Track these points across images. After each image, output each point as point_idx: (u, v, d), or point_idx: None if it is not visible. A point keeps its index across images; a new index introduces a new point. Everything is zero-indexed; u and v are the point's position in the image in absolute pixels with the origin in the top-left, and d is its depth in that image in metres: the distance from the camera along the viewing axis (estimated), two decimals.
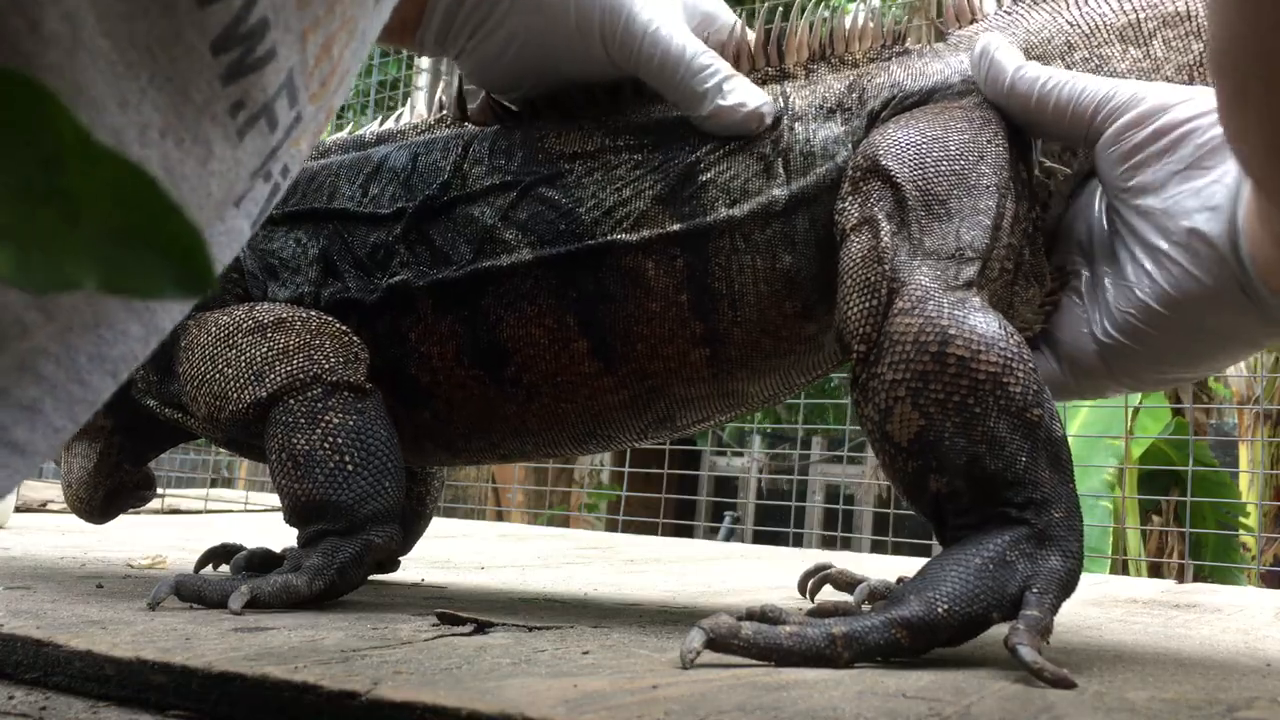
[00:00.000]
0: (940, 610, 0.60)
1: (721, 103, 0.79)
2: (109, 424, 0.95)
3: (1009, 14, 0.86)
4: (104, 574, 0.93)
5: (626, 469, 2.97)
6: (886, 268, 0.70)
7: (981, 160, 0.75)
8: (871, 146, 0.77)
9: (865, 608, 0.66)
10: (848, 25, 0.86)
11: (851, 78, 0.84)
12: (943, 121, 0.77)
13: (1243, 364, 3.90)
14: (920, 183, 0.74)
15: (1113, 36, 0.83)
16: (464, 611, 0.72)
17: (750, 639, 0.58)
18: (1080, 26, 0.84)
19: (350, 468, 0.80)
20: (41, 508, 1.97)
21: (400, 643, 0.62)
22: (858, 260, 0.71)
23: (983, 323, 0.66)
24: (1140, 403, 3.23)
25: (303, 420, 0.81)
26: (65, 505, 1.83)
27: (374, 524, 0.80)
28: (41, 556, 1.05)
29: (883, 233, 0.72)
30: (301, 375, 0.82)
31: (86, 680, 0.56)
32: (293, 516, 0.82)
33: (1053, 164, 0.80)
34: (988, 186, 0.74)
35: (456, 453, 0.93)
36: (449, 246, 0.84)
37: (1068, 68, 0.82)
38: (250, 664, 0.53)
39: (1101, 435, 3.07)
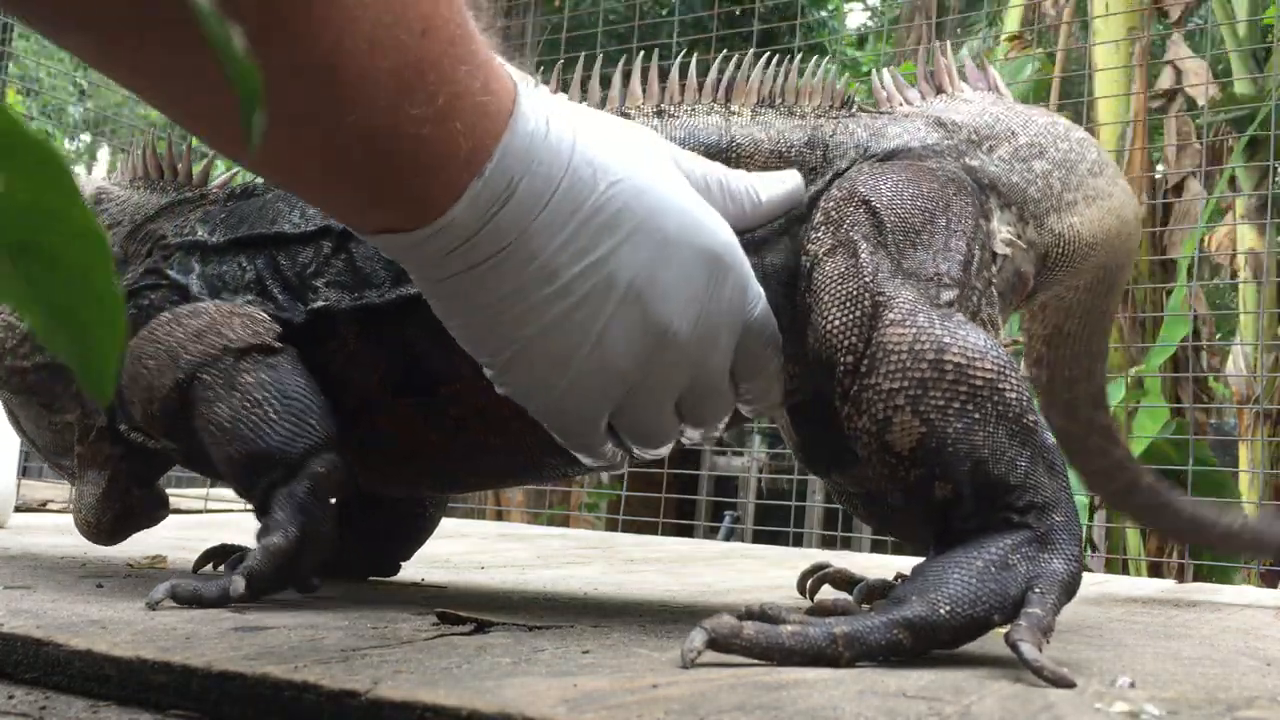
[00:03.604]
0: (943, 611, 0.60)
1: (765, 196, 0.76)
2: (117, 451, 0.96)
3: (929, 104, 0.89)
4: (104, 574, 0.93)
5: (627, 469, 2.96)
6: (868, 280, 0.71)
7: (949, 208, 0.78)
8: (848, 181, 0.78)
9: (863, 607, 0.66)
10: (797, 79, 0.86)
11: (810, 131, 0.84)
12: (913, 171, 0.80)
13: (1243, 364, 3.90)
14: (898, 211, 0.75)
15: (1041, 130, 0.89)
16: (464, 611, 0.72)
17: (752, 639, 0.58)
18: (1013, 120, 0.88)
19: (273, 416, 0.81)
20: (41, 507, 1.97)
21: (400, 642, 0.62)
22: (835, 277, 0.72)
23: (973, 333, 0.68)
24: (1140, 403, 3.23)
25: (220, 389, 0.82)
26: (65, 505, 1.82)
27: (311, 457, 0.81)
28: (41, 556, 1.05)
29: (861, 251, 0.73)
30: (213, 350, 0.83)
31: (86, 680, 0.56)
32: (235, 483, 0.84)
33: (1008, 231, 0.83)
34: (957, 230, 0.76)
35: (388, 478, 0.93)
36: (371, 269, 0.84)
37: (1014, 151, 0.86)
38: (250, 663, 0.53)
39: None
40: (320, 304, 0.85)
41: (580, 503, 5.28)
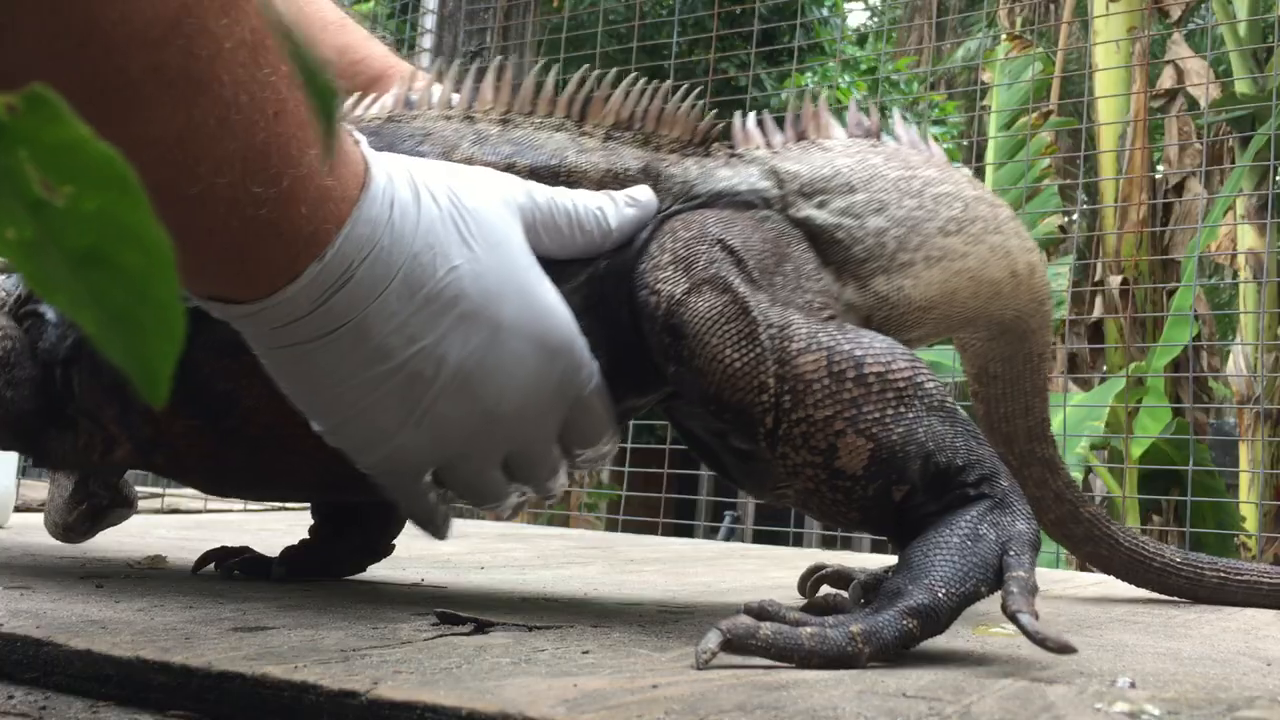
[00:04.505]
0: (940, 594, 0.61)
1: (615, 223, 0.77)
2: None
3: (781, 150, 0.87)
4: (104, 574, 0.93)
5: (626, 469, 2.96)
6: (755, 315, 0.70)
7: (790, 257, 0.78)
8: (690, 221, 0.77)
9: (859, 602, 0.67)
10: (665, 105, 0.84)
11: (646, 162, 0.82)
12: (746, 217, 0.79)
13: (1243, 364, 3.91)
14: (753, 251, 0.75)
15: (889, 185, 0.86)
16: (464, 611, 0.72)
17: (770, 639, 0.58)
18: (859, 174, 0.86)
19: None
20: (41, 507, 1.96)
21: (400, 642, 0.62)
22: (713, 317, 0.71)
23: (875, 338, 0.69)
24: (1141, 402, 3.23)
25: None
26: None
27: None
28: (41, 556, 1.05)
29: (736, 286, 0.72)
30: None
31: (86, 680, 0.56)
32: None
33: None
34: (804, 270, 0.77)
35: (209, 489, 0.94)
36: None
37: (848, 206, 0.84)
38: (250, 663, 0.53)
39: (1105, 436, 3.06)
40: None
41: (580, 503, 5.28)
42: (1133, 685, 0.58)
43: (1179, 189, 3.93)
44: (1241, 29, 3.99)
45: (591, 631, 0.70)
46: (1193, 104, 4.08)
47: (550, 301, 0.70)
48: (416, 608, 0.78)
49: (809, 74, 5.63)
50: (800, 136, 0.89)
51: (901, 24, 7.22)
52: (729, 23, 4.56)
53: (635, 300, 0.75)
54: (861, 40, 8.13)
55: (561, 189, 0.76)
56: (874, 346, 0.68)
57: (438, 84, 0.86)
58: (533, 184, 0.75)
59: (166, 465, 0.88)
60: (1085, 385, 3.81)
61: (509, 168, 0.79)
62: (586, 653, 0.61)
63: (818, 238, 0.82)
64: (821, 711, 0.47)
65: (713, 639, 0.57)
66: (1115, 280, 3.80)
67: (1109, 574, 1.11)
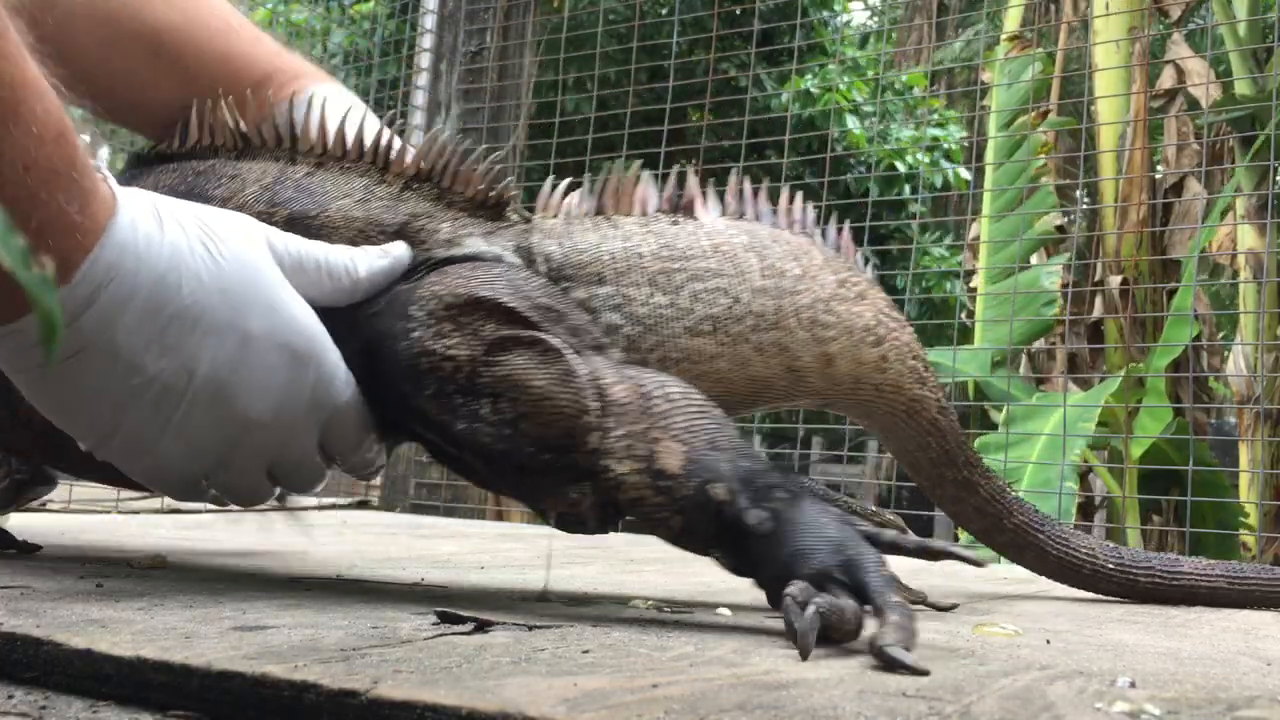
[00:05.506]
0: (866, 553, 0.67)
1: (365, 273, 0.81)
2: None
3: (570, 224, 0.88)
4: (104, 574, 0.93)
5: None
6: (570, 357, 0.76)
7: (562, 295, 0.83)
8: (452, 289, 0.79)
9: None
10: (461, 164, 0.87)
11: (406, 219, 0.85)
12: (501, 267, 0.82)
13: (1243, 364, 3.91)
14: (527, 300, 0.80)
15: (643, 279, 0.87)
16: (464, 611, 0.72)
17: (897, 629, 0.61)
18: (617, 264, 0.87)
19: None
20: (41, 507, 1.97)
21: (400, 641, 0.62)
22: (531, 366, 0.76)
23: (663, 374, 0.78)
24: (1140, 402, 3.23)
25: None
26: (64, 505, 1.82)
27: None
28: (41, 556, 1.05)
29: (544, 337, 0.77)
30: None
31: (86, 679, 0.56)
32: None
33: None
34: (570, 309, 0.82)
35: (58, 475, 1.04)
36: None
37: (588, 298, 0.85)
38: (250, 663, 0.53)
39: (1105, 435, 3.06)
40: None
41: None
42: (1133, 685, 0.58)
43: (1179, 189, 3.93)
44: (1241, 29, 3.99)
45: (591, 631, 0.70)
46: (1193, 104, 4.08)
47: (297, 313, 0.75)
48: (416, 607, 0.78)
49: (809, 75, 5.64)
50: (598, 211, 0.89)
51: (901, 24, 7.22)
52: (729, 23, 4.56)
53: (407, 364, 0.78)
54: (863, 41, 8.12)
55: (318, 242, 0.81)
56: (667, 375, 0.77)
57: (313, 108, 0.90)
58: (287, 234, 0.80)
59: (13, 440, 0.92)
60: (1085, 385, 3.81)
61: (269, 214, 0.84)
62: (586, 652, 0.61)
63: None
64: (821, 711, 0.47)
65: (901, 655, 0.58)
66: (1115, 280, 3.80)
67: (1045, 577, 1.12)
